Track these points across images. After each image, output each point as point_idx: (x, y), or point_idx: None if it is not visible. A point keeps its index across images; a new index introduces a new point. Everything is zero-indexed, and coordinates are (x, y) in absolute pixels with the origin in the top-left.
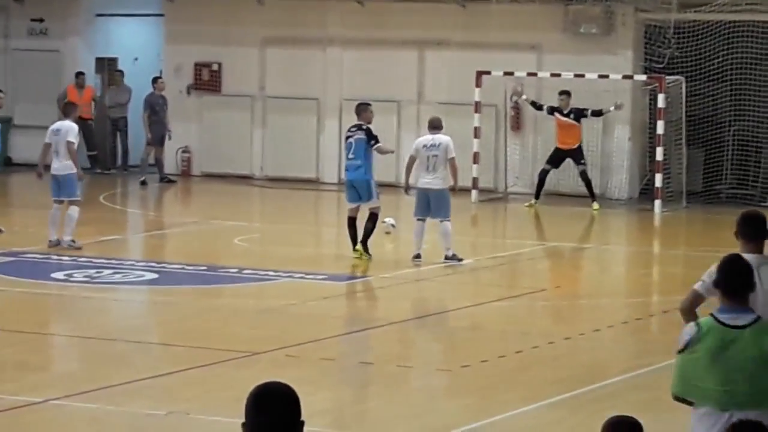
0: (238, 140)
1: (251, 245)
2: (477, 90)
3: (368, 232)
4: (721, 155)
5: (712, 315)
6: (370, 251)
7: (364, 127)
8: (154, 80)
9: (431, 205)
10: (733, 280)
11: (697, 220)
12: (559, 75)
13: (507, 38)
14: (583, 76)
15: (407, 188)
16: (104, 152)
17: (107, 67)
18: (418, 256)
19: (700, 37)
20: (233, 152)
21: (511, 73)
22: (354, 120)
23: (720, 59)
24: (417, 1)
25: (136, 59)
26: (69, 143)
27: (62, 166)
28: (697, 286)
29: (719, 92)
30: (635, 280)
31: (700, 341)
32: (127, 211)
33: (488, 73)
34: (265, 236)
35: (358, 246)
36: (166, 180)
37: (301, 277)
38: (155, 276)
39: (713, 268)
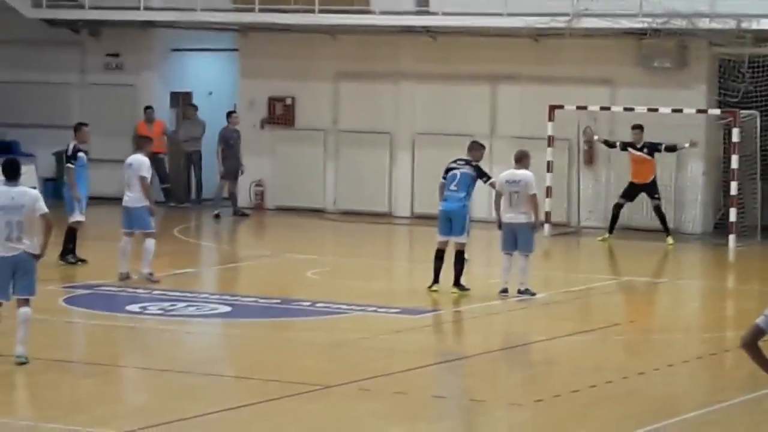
0: (311, 174)
1: (323, 278)
2: (550, 124)
3: (458, 273)
4: None
5: None
6: (466, 286)
7: (474, 163)
8: (229, 114)
9: (518, 239)
10: None
11: None
12: (632, 109)
13: (580, 72)
14: (656, 110)
15: (500, 224)
16: (178, 186)
17: (182, 101)
18: (505, 291)
19: None
20: (306, 186)
21: (584, 107)
22: (443, 154)
23: None
24: (489, 35)
25: (210, 93)
26: (142, 177)
27: (134, 198)
28: (759, 320)
29: None
30: (710, 315)
31: None
32: (201, 244)
33: (561, 107)
34: (338, 269)
35: (438, 286)
36: (239, 213)
37: (374, 311)
38: (228, 309)
39: None
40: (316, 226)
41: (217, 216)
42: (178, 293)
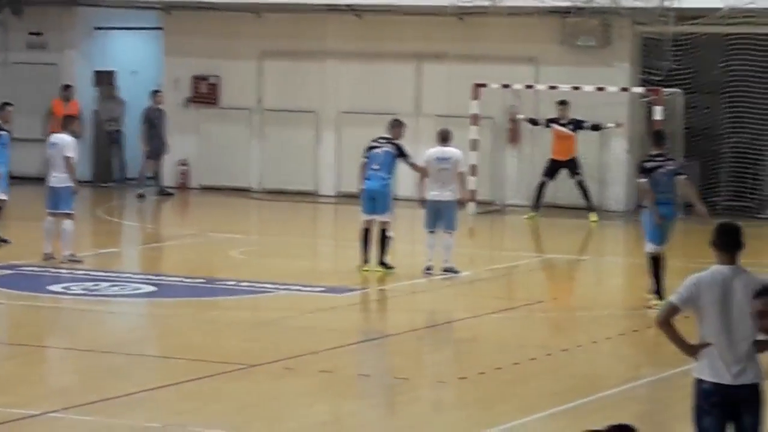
0: (236, 153)
1: (249, 258)
2: (474, 102)
3: (383, 251)
4: (719, 167)
5: None
6: (391, 264)
7: (395, 141)
8: (153, 93)
9: (442, 216)
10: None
11: (694, 232)
12: (556, 87)
13: (504, 51)
14: (580, 88)
15: (423, 201)
16: (101, 165)
17: (105, 80)
18: (429, 268)
19: (697, 49)
20: (231, 165)
21: (509, 86)
22: (358, 133)
23: (717, 72)
24: (414, 14)
25: (134, 72)
26: (67, 157)
27: (59, 178)
28: (672, 298)
29: (716, 105)
30: (632, 291)
31: None
32: (125, 223)
33: (485, 85)
34: (263, 249)
35: (368, 266)
36: (164, 193)
37: (299, 290)
38: (153, 289)
39: (688, 280)
40: (241, 206)
41: (142, 195)
42: (101, 273)
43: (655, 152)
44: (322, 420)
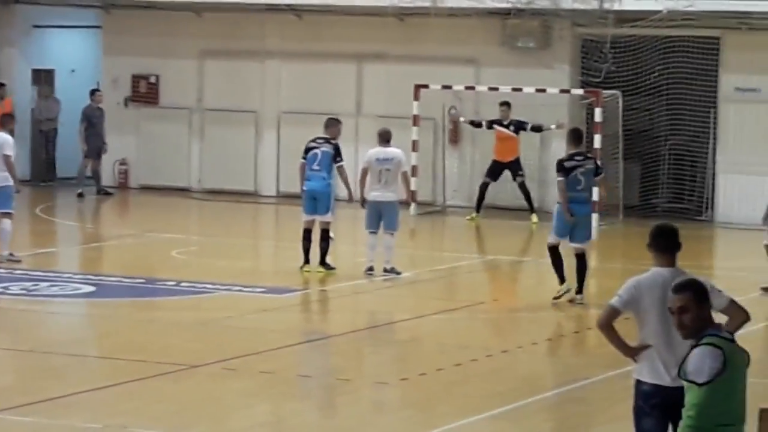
0: (176, 152)
1: (189, 258)
2: (415, 103)
3: (324, 251)
4: (658, 169)
5: (713, 335)
6: (332, 265)
7: (333, 141)
8: (92, 92)
9: (382, 217)
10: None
11: (634, 234)
12: (497, 89)
13: (445, 51)
14: (520, 90)
15: (363, 201)
16: (39, 164)
17: (43, 79)
18: (371, 269)
19: (636, 51)
20: (171, 165)
21: (449, 87)
22: (297, 133)
23: (656, 74)
24: (355, 14)
25: (73, 71)
26: (5, 156)
27: None
28: (613, 301)
29: (655, 107)
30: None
31: (730, 362)
32: (64, 223)
33: (426, 86)
34: (203, 249)
35: (309, 266)
36: (103, 192)
37: (239, 290)
38: (92, 289)
39: (629, 283)
40: (181, 205)
41: (81, 195)
42: (40, 273)
43: (573, 151)
44: (263, 421)
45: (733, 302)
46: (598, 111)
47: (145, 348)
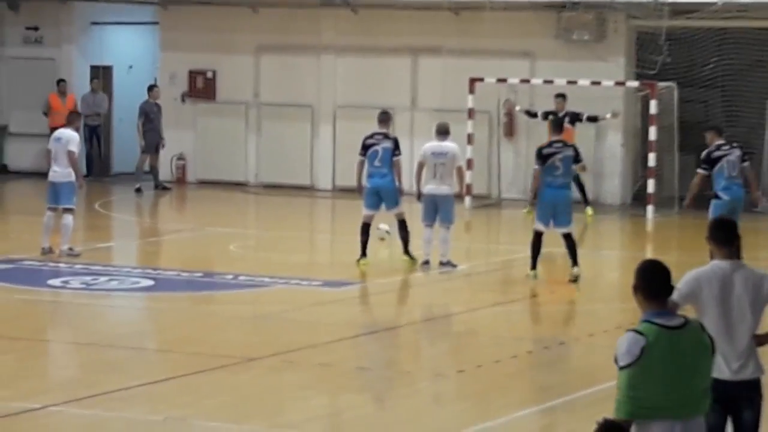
0: (233, 147)
1: (246, 251)
2: (470, 97)
3: (406, 240)
4: None
5: (647, 321)
6: (412, 255)
7: (391, 136)
8: (150, 88)
9: (438, 210)
10: (656, 284)
11: (689, 226)
12: (551, 82)
13: (500, 45)
14: (575, 82)
15: (419, 195)
16: (98, 160)
17: (102, 75)
18: (427, 262)
19: (691, 43)
20: (228, 159)
21: (504, 80)
22: (361, 126)
23: (712, 66)
24: (410, 8)
25: (131, 67)
26: (70, 152)
27: (61, 173)
28: (674, 295)
29: (711, 98)
30: (628, 285)
31: (651, 349)
32: (123, 218)
33: (481, 79)
34: (260, 243)
35: (366, 260)
36: (161, 187)
37: (297, 284)
38: (151, 283)
39: (688, 276)
40: (238, 200)
41: (139, 190)
42: (100, 267)
43: (554, 139)
44: (320, 413)
45: None
46: (653, 103)
47: (203, 341)
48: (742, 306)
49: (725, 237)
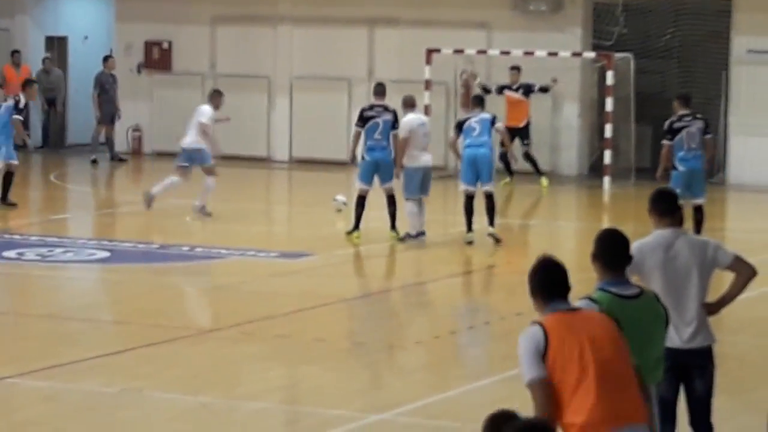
0: (189, 118)
1: (203, 223)
2: (427, 68)
3: (394, 216)
4: None
5: (602, 289)
6: (398, 230)
7: (391, 108)
8: (105, 59)
9: (424, 182)
10: (613, 253)
11: (646, 196)
12: (508, 53)
13: (457, 16)
14: (532, 53)
15: (398, 171)
16: (53, 131)
17: (57, 46)
18: (422, 233)
19: (648, 14)
20: (184, 131)
21: (461, 51)
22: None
23: (668, 36)
24: None
25: (86, 38)
26: (201, 123)
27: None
28: None
29: (667, 69)
30: (585, 255)
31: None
32: (78, 189)
33: (438, 50)
34: (217, 214)
35: (359, 232)
36: (117, 159)
37: (253, 255)
38: (107, 254)
39: (631, 247)
40: (195, 171)
41: (95, 161)
42: (55, 239)
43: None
44: (278, 384)
45: (738, 258)
46: (609, 74)
47: (159, 313)
48: (688, 272)
49: (666, 207)
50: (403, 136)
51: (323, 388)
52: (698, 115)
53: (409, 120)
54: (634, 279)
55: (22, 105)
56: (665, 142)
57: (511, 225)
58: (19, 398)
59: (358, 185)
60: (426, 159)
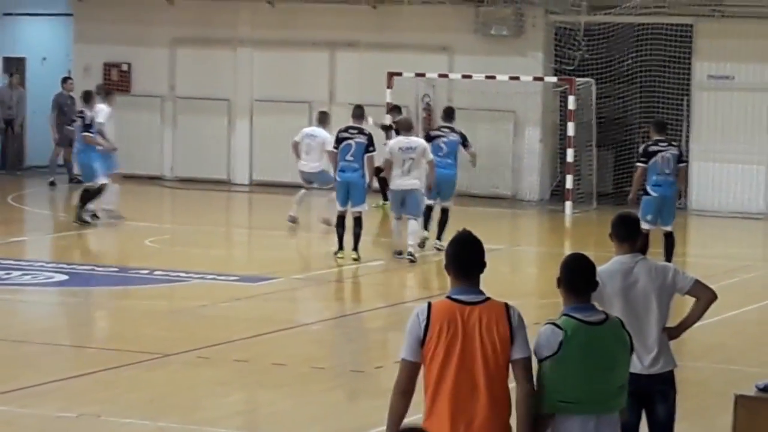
0: (149, 141)
1: (162, 246)
2: (388, 91)
3: (358, 237)
4: (631, 157)
5: (567, 315)
6: (359, 254)
7: (366, 132)
8: (64, 80)
9: (406, 203)
10: (579, 278)
11: (607, 221)
12: (470, 76)
13: (418, 39)
14: (494, 77)
15: (385, 193)
16: (11, 153)
17: (15, 67)
18: (400, 253)
19: (609, 39)
20: (143, 153)
21: (423, 75)
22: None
23: (630, 61)
24: (327, 2)
25: (44, 59)
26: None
27: None
28: None
29: (629, 94)
30: (547, 280)
31: (569, 342)
32: (36, 212)
33: (399, 74)
34: (176, 237)
35: (345, 252)
36: (75, 181)
37: (213, 279)
38: (65, 277)
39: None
40: (154, 194)
41: (53, 183)
42: (12, 261)
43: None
44: (238, 409)
45: (698, 282)
46: (571, 99)
47: (118, 337)
48: (647, 298)
49: (626, 233)
50: (386, 158)
51: (282, 414)
52: (674, 143)
53: (390, 143)
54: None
55: None
56: (639, 164)
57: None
58: None
59: (336, 207)
60: (400, 182)
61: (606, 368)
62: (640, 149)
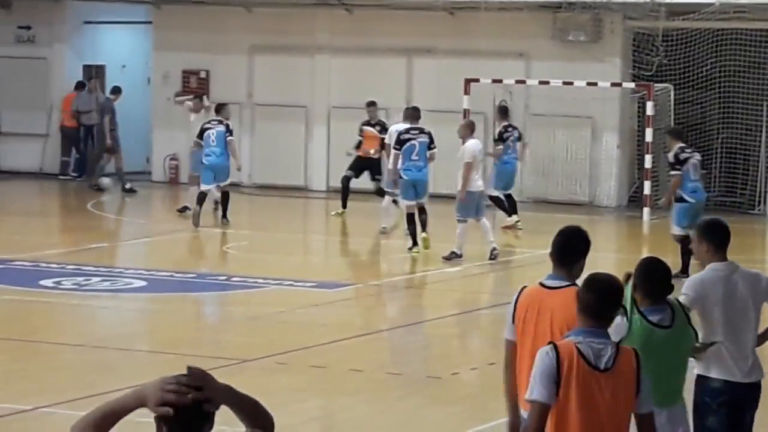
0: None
1: (240, 253)
2: (465, 97)
3: (425, 222)
4: (710, 163)
5: (639, 313)
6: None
7: (427, 131)
8: (115, 90)
9: (480, 206)
10: (654, 281)
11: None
12: (547, 82)
13: (495, 46)
14: (571, 83)
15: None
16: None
17: (95, 74)
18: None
19: (688, 44)
20: None
21: (500, 81)
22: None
23: (708, 67)
24: (405, 8)
25: (124, 66)
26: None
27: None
28: (682, 299)
29: (707, 100)
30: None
31: (628, 340)
32: (116, 218)
33: (477, 80)
34: (254, 244)
35: (418, 248)
36: (130, 190)
37: (290, 285)
38: (144, 284)
39: (693, 281)
40: (232, 200)
41: (132, 190)
42: (92, 268)
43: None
44: (314, 416)
45: None
46: (649, 104)
47: (196, 343)
48: (745, 305)
49: (720, 240)
50: (468, 161)
51: (359, 420)
52: (694, 149)
53: (468, 147)
54: (694, 313)
55: None
56: (675, 172)
57: (544, 256)
58: (54, 428)
59: (404, 204)
60: (480, 183)
61: (667, 370)
62: (671, 157)
